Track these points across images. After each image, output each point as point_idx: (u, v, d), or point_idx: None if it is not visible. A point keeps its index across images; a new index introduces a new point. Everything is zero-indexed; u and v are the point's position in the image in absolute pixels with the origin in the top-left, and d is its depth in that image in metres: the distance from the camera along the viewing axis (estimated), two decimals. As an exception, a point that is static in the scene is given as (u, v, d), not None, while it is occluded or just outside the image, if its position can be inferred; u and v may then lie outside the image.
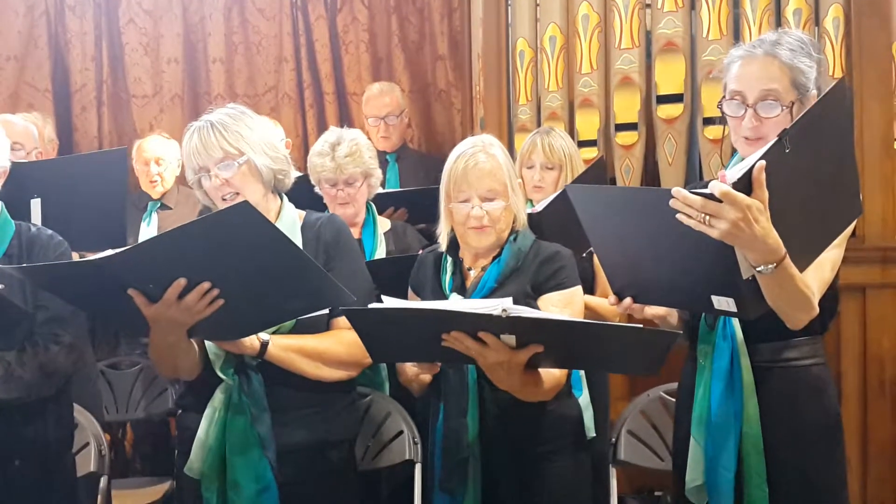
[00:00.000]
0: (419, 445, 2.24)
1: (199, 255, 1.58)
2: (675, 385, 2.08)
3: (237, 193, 1.87)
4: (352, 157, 2.58)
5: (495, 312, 1.57)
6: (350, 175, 2.59)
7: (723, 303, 1.52)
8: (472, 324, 1.62)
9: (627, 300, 1.66)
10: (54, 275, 1.69)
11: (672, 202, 1.39)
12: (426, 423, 2.29)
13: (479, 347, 1.65)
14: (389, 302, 1.68)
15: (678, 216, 1.40)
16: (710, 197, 1.37)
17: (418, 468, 2.24)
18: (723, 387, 1.74)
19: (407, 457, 2.25)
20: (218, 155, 1.85)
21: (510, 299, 1.62)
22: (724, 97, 1.75)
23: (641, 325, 1.57)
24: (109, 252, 1.56)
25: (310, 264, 1.65)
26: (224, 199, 1.88)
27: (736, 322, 1.75)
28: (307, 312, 1.79)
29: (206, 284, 1.61)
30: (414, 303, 1.94)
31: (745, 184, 1.39)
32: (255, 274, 1.63)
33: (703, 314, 1.80)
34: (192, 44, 4.18)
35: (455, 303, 1.83)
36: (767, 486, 1.72)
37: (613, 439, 2.35)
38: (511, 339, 1.63)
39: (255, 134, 1.89)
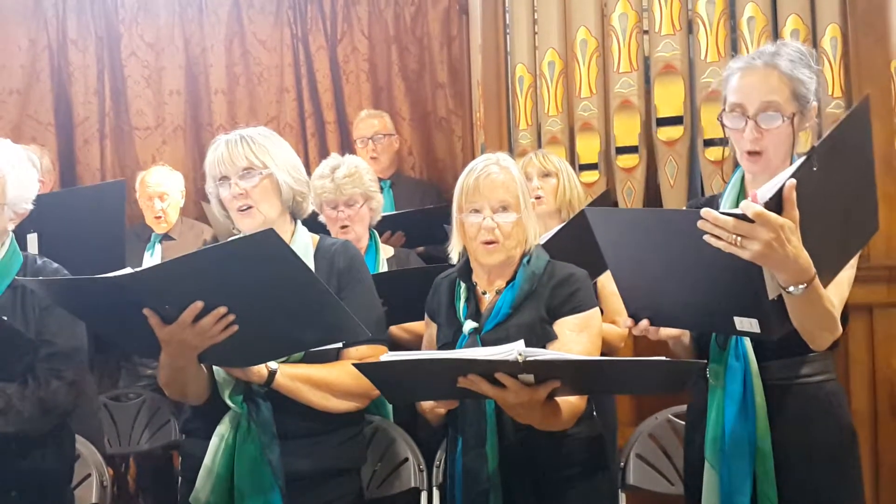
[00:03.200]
0: (424, 473, 2.21)
1: (219, 279, 1.57)
2: (683, 407, 2.05)
3: (252, 206, 1.87)
4: (351, 178, 2.59)
5: (510, 357, 1.53)
6: (350, 196, 2.60)
7: (745, 324, 1.50)
8: (488, 368, 1.58)
9: (644, 323, 1.63)
10: (72, 289, 1.68)
11: (701, 223, 1.37)
12: (431, 450, 2.27)
13: (495, 391, 1.61)
14: (400, 355, 1.64)
15: (706, 237, 1.38)
16: (743, 218, 1.36)
17: (424, 496, 2.21)
18: (737, 409, 1.71)
19: (413, 484, 2.23)
20: (242, 164, 1.86)
21: (522, 342, 1.58)
22: (724, 110, 1.74)
23: (663, 359, 1.52)
24: (129, 270, 1.55)
25: (329, 297, 1.64)
26: (240, 211, 1.88)
27: (748, 342, 1.72)
28: (321, 345, 1.79)
29: (223, 309, 1.60)
30: (425, 353, 1.90)
31: (776, 203, 1.38)
32: (273, 302, 1.61)
33: (714, 336, 1.78)
34: (193, 76, 4.22)
35: (468, 351, 1.79)
36: (781, 506, 1.69)
37: (622, 464, 2.32)
38: (529, 377, 1.60)
39: (282, 153, 1.92)
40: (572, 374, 1.63)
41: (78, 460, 2.19)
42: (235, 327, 1.62)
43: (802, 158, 1.41)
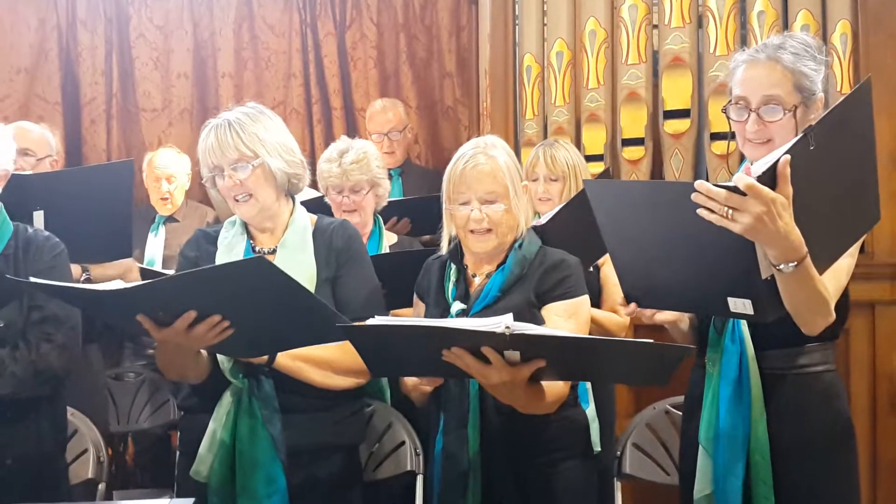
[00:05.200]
0: (421, 457, 2.21)
1: (212, 294, 1.60)
2: (681, 398, 2.05)
3: (250, 195, 1.87)
4: (358, 164, 2.58)
5: (498, 330, 1.52)
6: (356, 182, 2.59)
7: (739, 304, 1.49)
8: (474, 340, 1.57)
9: (632, 305, 1.63)
10: (64, 292, 1.71)
11: (694, 196, 1.37)
12: (428, 434, 2.27)
13: (479, 366, 1.59)
14: (388, 319, 1.64)
15: (699, 211, 1.38)
16: (735, 190, 1.35)
17: (420, 479, 2.21)
18: (731, 393, 1.71)
19: (409, 468, 2.22)
20: (233, 155, 1.85)
21: (510, 315, 1.56)
22: (729, 101, 1.75)
23: (650, 341, 1.52)
24: (120, 284, 1.58)
25: (322, 307, 1.66)
26: (237, 200, 1.88)
27: (745, 327, 1.72)
28: (313, 344, 1.80)
29: (217, 318, 1.62)
30: (412, 319, 1.90)
31: (769, 178, 1.37)
32: (265, 312, 1.64)
33: (713, 321, 1.78)
34: (201, 59, 4.22)
35: (456, 320, 1.79)
36: (775, 495, 1.69)
37: (619, 452, 2.31)
38: (515, 354, 1.59)
39: (272, 136, 1.89)
40: (558, 354, 1.61)
41: (75, 436, 2.20)
42: (230, 331, 1.64)
43: (799, 136, 1.40)
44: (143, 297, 1.60)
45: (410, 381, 1.94)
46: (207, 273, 1.60)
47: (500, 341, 1.53)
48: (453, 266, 1.98)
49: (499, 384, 1.61)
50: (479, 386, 1.83)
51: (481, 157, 1.90)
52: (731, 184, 1.36)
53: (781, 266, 1.42)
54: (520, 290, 1.89)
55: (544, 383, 1.74)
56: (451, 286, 1.96)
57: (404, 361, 1.74)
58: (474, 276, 1.97)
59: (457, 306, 1.90)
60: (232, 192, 1.88)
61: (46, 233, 1.99)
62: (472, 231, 1.90)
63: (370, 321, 1.59)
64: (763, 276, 1.44)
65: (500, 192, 1.89)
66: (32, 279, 1.71)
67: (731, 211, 1.36)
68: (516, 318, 1.70)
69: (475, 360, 1.59)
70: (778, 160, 1.37)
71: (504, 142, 2.00)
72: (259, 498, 1.77)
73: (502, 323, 1.52)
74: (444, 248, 2.01)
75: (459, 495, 1.85)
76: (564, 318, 1.87)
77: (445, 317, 1.91)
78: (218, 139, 1.85)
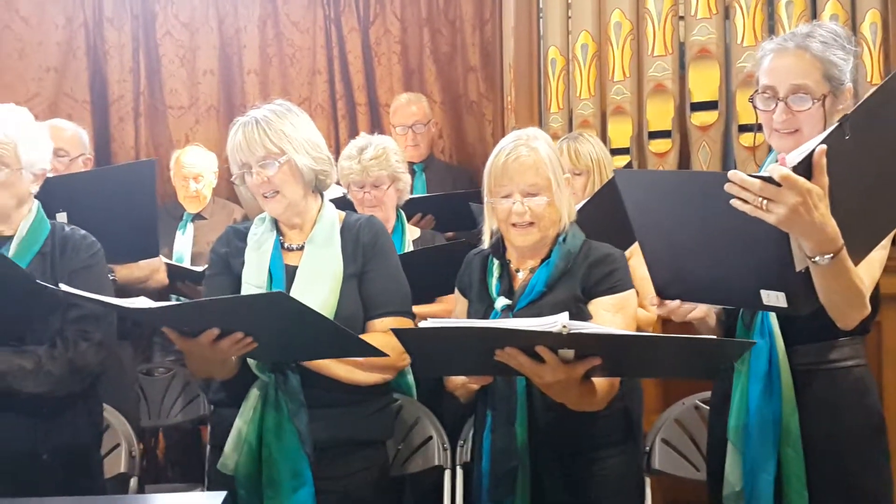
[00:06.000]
0: (448, 451, 2.22)
1: (234, 319, 1.65)
2: (709, 394, 2.03)
3: (277, 192, 1.89)
4: (377, 160, 2.59)
5: (554, 329, 1.50)
6: (376, 178, 2.60)
7: (772, 297, 1.47)
8: (530, 340, 1.56)
9: (675, 303, 1.61)
10: (94, 302, 1.75)
11: (727, 186, 1.35)
12: (455, 429, 2.28)
13: (533, 365, 1.58)
14: (441, 322, 1.62)
15: (733, 202, 1.36)
16: (769, 180, 1.34)
17: (447, 474, 2.22)
18: (761, 388, 1.69)
19: (437, 462, 2.23)
20: (260, 153, 1.87)
21: (566, 314, 1.54)
22: (756, 91, 1.73)
23: (711, 337, 1.50)
24: (146, 303, 1.64)
25: (342, 332, 1.70)
26: (265, 197, 1.91)
27: (774, 322, 1.70)
28: (336, 357, 1.84)
29: (240, 335, 1.66)
30: (465, 321, 1.88)
31: (804, 168, 1.35)
32: (288, 335, 1.70)
33: (740, 315, 1.76)
34: (227, 56, 4.24)
35: (510, 320, 1.77)
36: (808, 491, 1.67)
37: (648, 448, 2.31)
38: (569, 353, 1.57)
39: (299, 133, 1.91)
40: (615, 351, 1.59)
41: (107, 430, 2.23)
42: (254, 345, 1.68)
43: (835, 125, 1.38)
44: (167, 317, 1.67)
45: (458, 378, 1.93)
46: (229, 302, 1.67)
47: (557, 340, 1.52)
48: (496, 261, 1.96)
49: (553, 383, 1.61)
50: (526, 382, 1.82)
51: (523, 149, 1.88)
52: (765, 174, 1.35)
53: (817, 258, 1.40)
54: (565, 285, 1.87)
55: (595, 380, 1.73)
56: (494, 281, 1.94)
57: (454, 361, 1.74)
58: (518, 270, 1.95)
59: (501, 302, 1.88)
60: (260, 189, 1.90)
61: (83, 231, 2.02)
62: (514, 225, 1.88)
63: (423, 324, 1.59)
64: (797, 269, 1.42)
65: (542, 184, 1.87)
66: (62, 286, 1.75)
67: (765, 201, 1.34)
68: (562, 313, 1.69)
69: (529, 359, 1.58)
70: (814, 150, 1.35)
71: (546, 134, 1.99)
72: (285, 491, 1.79)
73: (558, 322, 1.51)
74: (486, 242, 1.99)
75: (509, 491, 1.85)
76: (612, 313, 1.85)
77: (490, 313, 1.90)
78: (245, 137, 1.88)
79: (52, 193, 2.19)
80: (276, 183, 1.88)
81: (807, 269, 1.44)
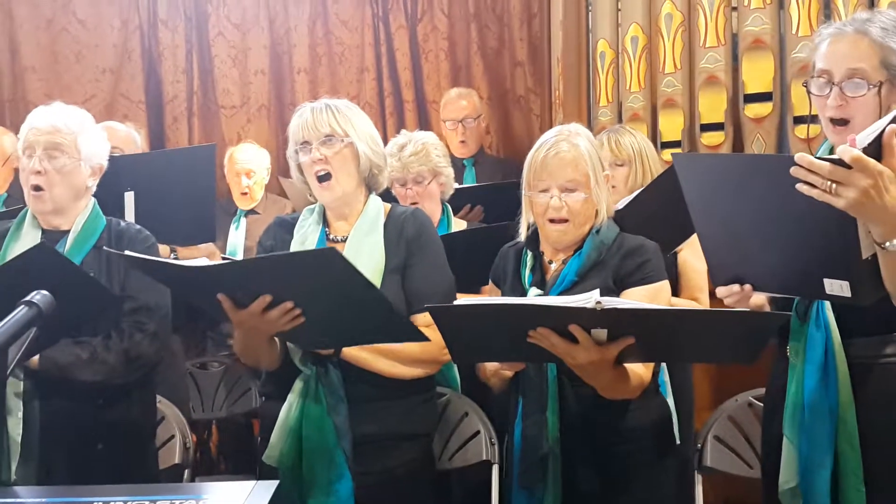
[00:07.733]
0: (496, 446, 2.20)
1: (285, 279, 1.66)
2: (763, 391, 1.98)
3: (331, 175, 1.91)
4: (416, 155, 2.60)
5: (588, 305, 1.49)
6: (417, 173, 2.61)
7: (836, 286, 1.42)
8: (562, 318, 1.55)
9: (747, 287, 1.56)
10: (152, 267, 1.80)
11: (794, 170, 1.32)
12: (503, 424, 2.27)
13: (566, 346, 1.58)
14: (474, 298, 1.65)
15: (799, 186, 1.32)
16: (839, 163, 1.29)
17: (495, 469, 2.21)
18: (817, 380, 1.64)
19: (484, 457, 2.22)
20: (325, 130, 1.90)
21: (598, 291, 1.54)
22: (811, 75, 1.69)
23: (743, 309, 1.46)
24: (205, 261, 1.67)
25: (388, 308, 1.70)
26: (318, 180, 1.92)
27: (830, 313, 1.65)
28: (380, 342, 1.84)
29: (290, 304, 1.67)
30: (499, 298, 1.89)
31: (875, 149, 1.31)
32: (335, 303, 1.70)
33: (794, 307, 1.72)
34: (277, 55, 4.30)
35: (544, 298, 1.77)
36: (865, 487, 1.62)
37: (699, 445, 2.26)
38: (602, 333, 1.56)
39: (363, 124, 1.96)
40: (648, 330, 1.57)
41: (162, 422, 2.28)
42: (302, 319, 1.69)
43: None
44: (224, 276, 1.68)
45: (491, 366, 1.94)
46: (281, 258, 1.72)
47: (591, 317, 1.52)
48: (529, 252, 1.97)
49: (586, 363, 1.60)
50: (557, 371, 1.82)
51: (563, 144, 1.89)
52: (834, 157, 1.30)
53: (886, 244, 1.36)
54: (597, 276, 1.87)
55: (628, 367, 1.71)
56: (527, 272, 1.94)
57: (487, 346, 1.74)
58: (550, 262, 1.96)
59: (533, 292, 1.89)
60: (314, 166, 1.91)
61: (138, 226, 2.07)
62: (550, 220, 1.89)
63: (457, 301, 1.60)
64: (864, 256, 1.38)
65: (580, 180, 1.87)
66: (128, 252, 1.80)
67: (834, 185, 1.30)
68: None
69: (562, 339, 1.58)
70: (883, 130, 1.31)
71: (587, 130, 1.98)
72: (324, 484, 1.81)
73: (592, 298, 1.50)
74: (522, 234, 2.00)
75: (538, 479, 1.85)
76: (645, 304, 1.83)
77: None
78: (314, 115, 1.92)
79: (119, 173, 2.26)
80: (332, 164, 1.90)
81: (873, 256, 1.39)
